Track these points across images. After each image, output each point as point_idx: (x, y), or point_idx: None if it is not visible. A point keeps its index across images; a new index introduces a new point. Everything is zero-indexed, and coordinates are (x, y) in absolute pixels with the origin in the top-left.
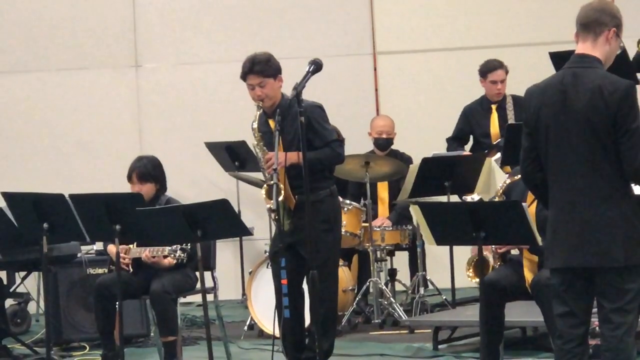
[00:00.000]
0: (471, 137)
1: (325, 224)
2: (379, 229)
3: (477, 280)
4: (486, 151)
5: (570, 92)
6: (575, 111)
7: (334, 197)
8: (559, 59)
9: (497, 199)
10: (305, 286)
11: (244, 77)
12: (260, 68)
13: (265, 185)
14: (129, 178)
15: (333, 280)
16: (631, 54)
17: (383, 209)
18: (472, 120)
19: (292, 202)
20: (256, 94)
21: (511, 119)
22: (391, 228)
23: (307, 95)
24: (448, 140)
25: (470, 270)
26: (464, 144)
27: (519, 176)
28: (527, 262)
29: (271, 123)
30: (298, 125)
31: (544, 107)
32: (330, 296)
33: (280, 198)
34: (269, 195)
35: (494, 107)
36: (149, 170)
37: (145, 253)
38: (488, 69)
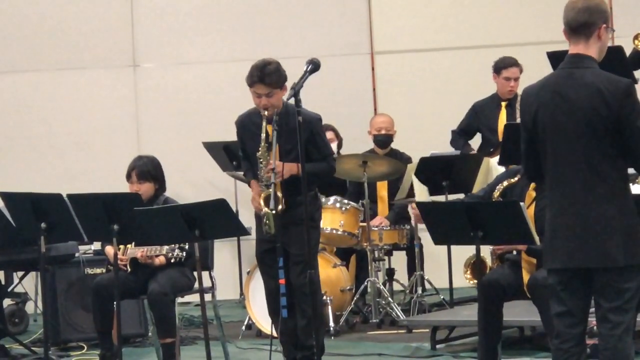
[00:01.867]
0: (479, 135)
1: (311, 222)
2: (376, 229)
3: (475, 281)
4: (491, 150)
5: (568, 92)
6: (574, 112)
7: (317, 198)
8: (556, 58)
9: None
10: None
11: (251, 84)
12: (270, 80)
13: (264, 192)
14: (128, 177)
15: (318, 275)
16: (628, 52)
17: (383, 207)
18: (480, 116)
19: (283, 205)
20: (262, 102)
21: (520, 118)
22: (389, 228)
23: (305, 94)
24: (453, 132)
25: (468, 272)
26: (469, 139)
27: (517, 178)
28: (525, 262)
29: (269, 128)
30: (298, 134)
31: (541, 108)
32: (317, 293)
33: (280, 207)
34: (267, 203)
35: (503, 104)
36: (148, 169)
37: (141, 252)
38: (504, 65)
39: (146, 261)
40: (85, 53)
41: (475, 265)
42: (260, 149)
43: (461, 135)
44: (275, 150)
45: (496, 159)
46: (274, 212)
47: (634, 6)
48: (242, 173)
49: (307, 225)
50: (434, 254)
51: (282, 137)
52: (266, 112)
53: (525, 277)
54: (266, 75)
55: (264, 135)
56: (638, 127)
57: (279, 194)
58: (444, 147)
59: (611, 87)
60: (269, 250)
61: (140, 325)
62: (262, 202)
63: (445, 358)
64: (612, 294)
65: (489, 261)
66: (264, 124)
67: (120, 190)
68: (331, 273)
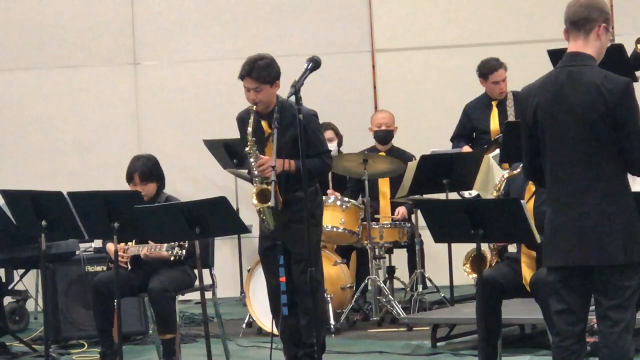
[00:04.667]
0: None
1: (311, 219)
2: (383, 228)
3: (474, 275)
4: (485, 147)
5: (566, 90)
6: (573, 109)
7: (317, 194)
8: (556, 56)
9: (495, 193)
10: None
11: (241, 77)
12: (258, 74)
13: (256, 187)
14: (130, 178)
15: (321, 274)
16: (629, 51)
17: (385, 204)
18: (472, 117)
19: (280, 203)
20: (250, 97)
21: (511, 115)
22: (389, 226)
23: (306, 92)
24: (452, 140)
25: (468, 265)
26: (467, 142)
27: (518, 170)
28: (526, 258)
29: (264, 124)
30: (293, 131)
31: (540, 106)
32: (320, 289)
33: (269, 204)
34: (259, 198)
35: (494, 103)
36: (150, 169)
37: (143, 252)
38: (489, 70)
39: (154, 255)
40: (86, 51)
41: (475, 261)
42: (248, 143)
43: (459, 140)
44: (267, 147)
45: (497, 157)
46: (271, 207)
47: (634, 6)
48: (242, 171)
49: (308, 223)
50: (434, 251)
51: (278, 133)
52: (254, 107)
53: (525, 272)
54: (254, 70)
55: (251, 129)
56: (635, 125)
57: (269, 187)
58: (444, 144)
59: (610, 85)
60: (270, 247)
61: (141, 323)
62: (254, 198)
63: (445, 356)
64: (612, 292)
65: (489, 256)
66: (251, 118)
67: (121, 188)
68: (332, 271)
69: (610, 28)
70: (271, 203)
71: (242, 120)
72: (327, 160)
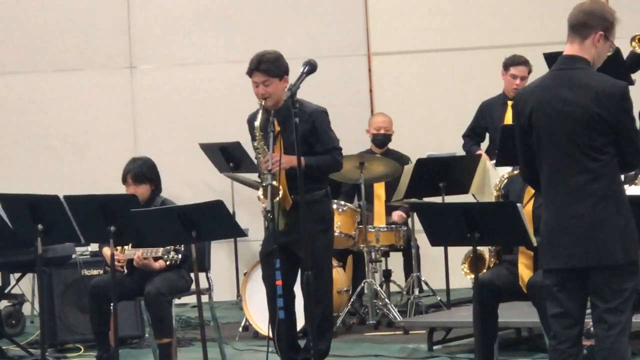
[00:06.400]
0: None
1: (322, 223)
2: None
3: (472, 276)
4: (497, 152)
5: (562, 93)
6: (568, 112)
7: (328, 198)
8: (553, 59)
9: (495, 193)
10: (298, 287)
11: (250, 73)
12: (266, 67)
13: (262, 185)
14: (124, 180)
15: (329, 280)
16: (626, 54)
17: (380, 207)
18: (487, 115)
19: (288, 203)
20: (260, 91)
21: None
22: (386, 229)
23: (302, 95)
24: (464, 137)
25: (466, 265)
26: (480, 141)
27: (518, 171)
28: (523, 258)
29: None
30: (301, 127)
31: (535, 109)
32: (327, 296)
33: (277, 198)
34: (266, 196)
35: (509, 103)
36: (143, 171)
37: (138, 254)
38: (513, 61)
39: (144, 263)
40: (83, 55)
41: (473, 263)
42: (256, 138)
43: (471, 137)
44: (276, 145)
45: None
46: (269, 209)
47: (633, 6)
48: (238, 174)
49: (305, 224)
50: (430, 255)
51: (285, 131)
52: (264, 102)
53: (523, 272)
54: (262, 63)
55: (258, 124)
56: (631, 129)
57: (275, 183)
58: (440, 148)
59: (608, 90)
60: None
61: (137, 327)
62: (261, 195)
63: (442, 359)
64: (609, 295)
65: (487, 257)
66: (259, 114)
67: (117, 192)
68: None
69: (612, 37)
70: (267, 206)
71: (251, 122)
72: (337, 156)
